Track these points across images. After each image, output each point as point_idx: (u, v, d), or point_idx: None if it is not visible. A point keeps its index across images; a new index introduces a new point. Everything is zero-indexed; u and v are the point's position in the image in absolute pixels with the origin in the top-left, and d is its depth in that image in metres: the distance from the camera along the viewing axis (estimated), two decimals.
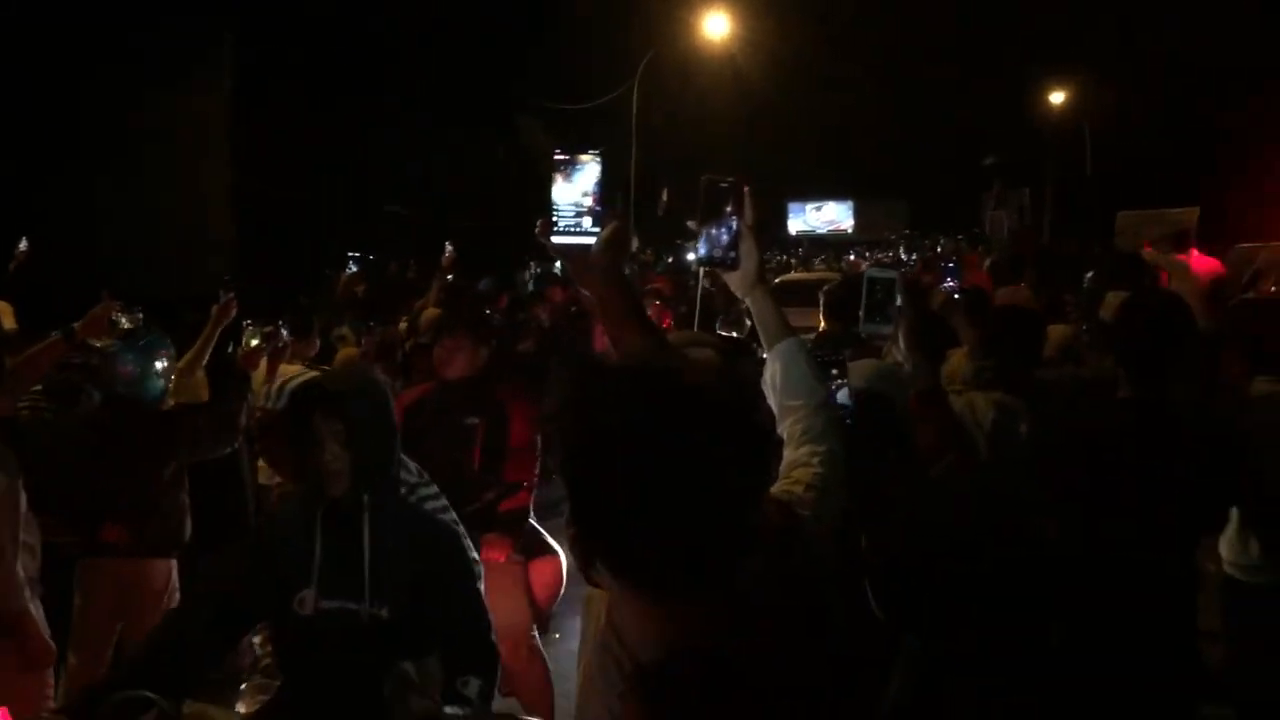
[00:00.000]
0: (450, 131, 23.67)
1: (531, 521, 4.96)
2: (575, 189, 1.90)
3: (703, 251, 2.01)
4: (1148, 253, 8.34)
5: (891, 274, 2.64)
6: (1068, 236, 21.33)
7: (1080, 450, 3.23)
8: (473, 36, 25.32)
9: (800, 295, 9.44)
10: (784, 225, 46.11)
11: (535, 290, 13.31)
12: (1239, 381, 4.41)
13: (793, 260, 32.06)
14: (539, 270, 16.40)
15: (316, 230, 17.86)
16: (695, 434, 1.24)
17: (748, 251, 1.99)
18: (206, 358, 5.77)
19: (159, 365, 4.80)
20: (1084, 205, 27.87)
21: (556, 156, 1.90)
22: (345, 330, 8.34)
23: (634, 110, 27.94)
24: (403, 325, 8.26)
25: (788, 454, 1.92)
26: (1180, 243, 10.91)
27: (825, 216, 46.55)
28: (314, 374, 6.56)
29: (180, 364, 5.35)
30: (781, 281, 15.32)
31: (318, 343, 6.74)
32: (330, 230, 17.63)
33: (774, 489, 1.82)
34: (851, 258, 28.61)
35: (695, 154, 37.15)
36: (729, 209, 1.98)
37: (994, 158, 28.51)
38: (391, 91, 22.01)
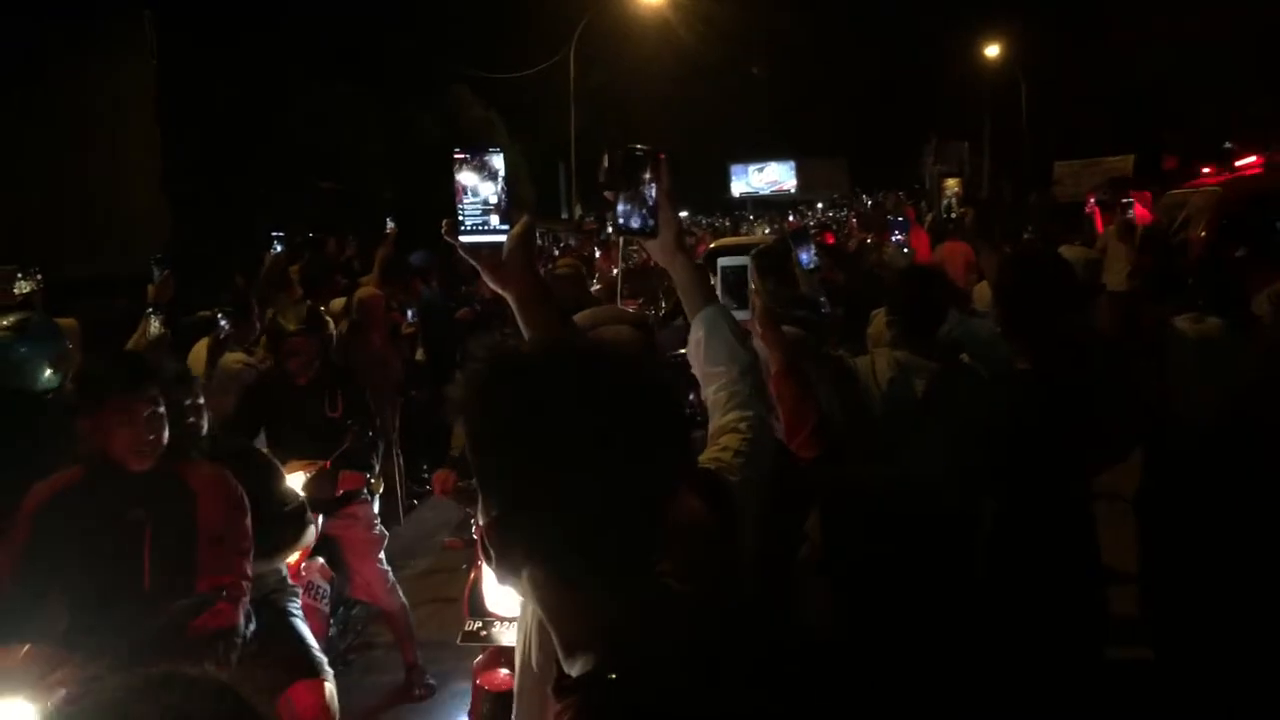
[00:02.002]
0: (385, 104, 23.36)
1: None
2: (480, 187, 1.85)
3: (621, 221, 1.97)
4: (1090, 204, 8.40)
5: (742, 261, 2.72)
6: (1005, 187, 21.58)
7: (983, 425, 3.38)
8: (406, 6, 24.99)
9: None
10: (727, 188, 46.14)
11: None
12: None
13: (726, 223, 32.16)
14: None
15: (250, 208, 17.53)
16: (609, 414, 1.21)
17: (666, 219, 1.95)
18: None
19: (48, 355, 4.54)
20: (1021, 156, 28.19)
21: (457, 155, 1.85)
22: (282, 310, 8.14)
23: (571, 77, 27.73)
24: (338, 303, 8.10)
25: (714, 421, 1.92)
26: (1118, 189, 11.05)
27: (768, 177, 46.59)
28: (251, 361, 6.41)
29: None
30: (716, 246, 15.21)
31: (258, 325, 6.56)
32: (264, 208, 17.31)
33: (702, 456, 1.82)
34: (792, 218, 28.69)
35: (635, 119, 37.02)
36: (646, 176, 1.94)
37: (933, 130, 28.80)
38: (322, 65, 21.65)
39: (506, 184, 1.86)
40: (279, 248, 7.49)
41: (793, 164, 46.15)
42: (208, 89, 18.14)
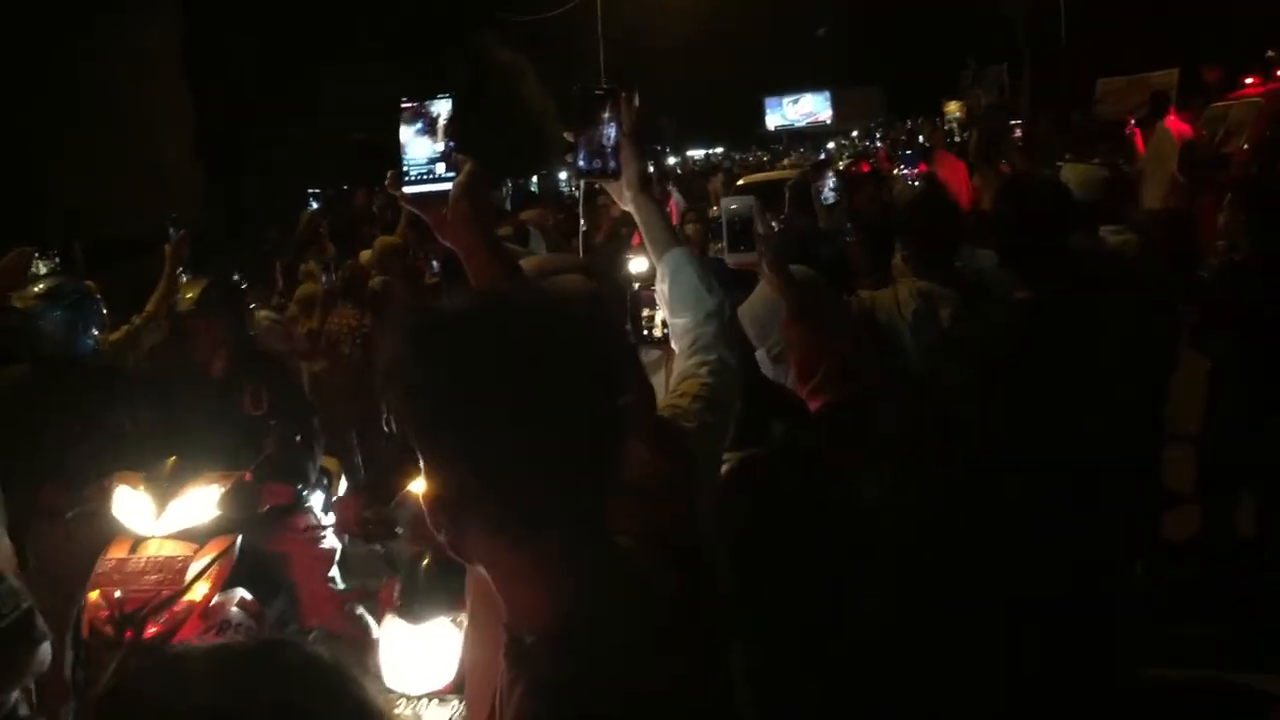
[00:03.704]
0: (413, 50, 23.21)
1: None
2: (427, 134, 1.74)
3: (581, 163, 1.92)
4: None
5: (749, 201, 2.64)
6: (1046, 109, 21.10)
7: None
8: None
9: (766, 198, 8.97)
10: (761, 122, 45.49)
11: (512, 210, 13.14)
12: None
13: (765, 157, 31.73)
14: (512, 189, 16.19)
15: (282, 163, 17.56)
16: (548, 370, 1.15)
17: (627, 159, 1.91)
18: (169, 305, 5.56)
19: (89, 321, 4.58)
20: (1062, 76, 27.52)
21: (404, 104, 1.75)
22: (312, 265, 8.19)
23: (599, 15, 27.40)
24: (366, 254, 8.11)
25: (678, 365, 1.88)
26: (1160, 106, 10.77)
27: (802, 109, 45.78)
28: (280, 319, 6.43)
29: (141, 318, 5.17)
30: (747, 182, 14.87)
31: (280, 283, 6.59)
32: (296, 162, 17.33)
33: (661, 403, 1.77)
34: (830, 146, 28.27)
35: (664, 57, 36.54)
36: (605, 116, 1.89)
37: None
38: (349, 13, 21.53)
39: (454, 130, 1.74)
40: (314, 205, 7.53)
41: (828, 94, 45.34)
42: (236, 44, 18.10)
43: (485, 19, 26.91)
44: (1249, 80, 10.01)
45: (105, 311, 4.80)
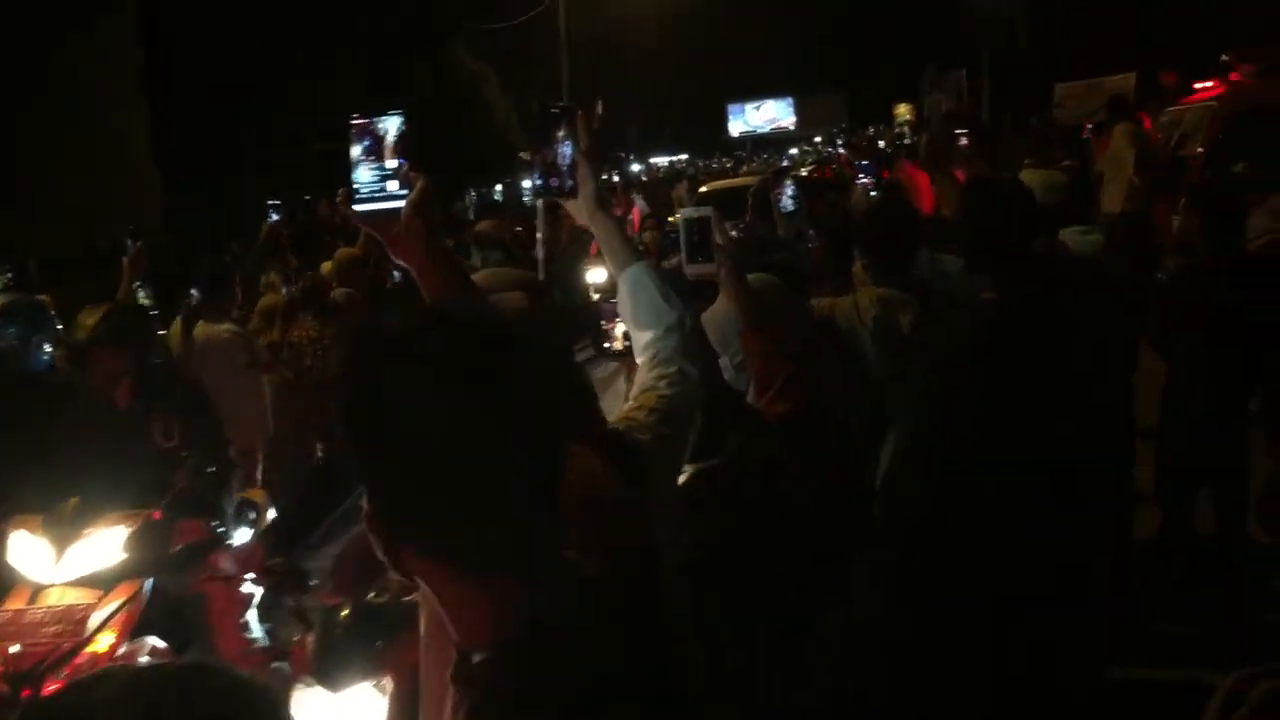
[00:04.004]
0: (378, 59, 23.12)
1: None
2: (374, 153, 1.73)
3: (538, 181, 1.95)
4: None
5: (706, 212, 2.64)
6: (1005, 113, 21.29)
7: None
8: None
9: (728, 205, 8.15)
10: (725, 128, 45.65)
11: (474, 219, 13.08)
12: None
13: (728, 164, 31.82)
14: (476, 198, 16.14)
15: (244, 172, 17.41)
16: (489, 393, 1.13)
17: (583, 177, 1.92)
18: None
19: (43, 335, 4.46)
20: (1021, 80, 27.76)
21: (354, 121, 1.74)
22: (273, 277, 8.10)
23: (562, 24, 27.35)
24: (326, 267, 8.04)
25: (639, 378, 1.89)
26: (1118, 110, 10.89)
27: (765, 115, 45.95)
28: (241, 331, 6.34)
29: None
30: (710, 190, 14.84)
31: (238, 295, 6.50)
32: (258, 172, 17.18)
33: (616, 416, 1.77)
34: (794, 152, 28.40)
35: (629, 63, 36.61)
36: (560, 134, 1.91)
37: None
38: (312, 23, 21.40)
39: (405, 148, 1.73)
40: (275, 216, 7.46)
41: (791, 101, 45.55)
42: (195, 55, 17.94)
43: (450, 28, 26.86)
44: (1204, 84, 10.16)
45: (61, 327, 4.72)
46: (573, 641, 1.18)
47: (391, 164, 1.72)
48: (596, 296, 7.97)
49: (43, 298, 4.80)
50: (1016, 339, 3.19)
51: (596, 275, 8.34)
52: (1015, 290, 3.26)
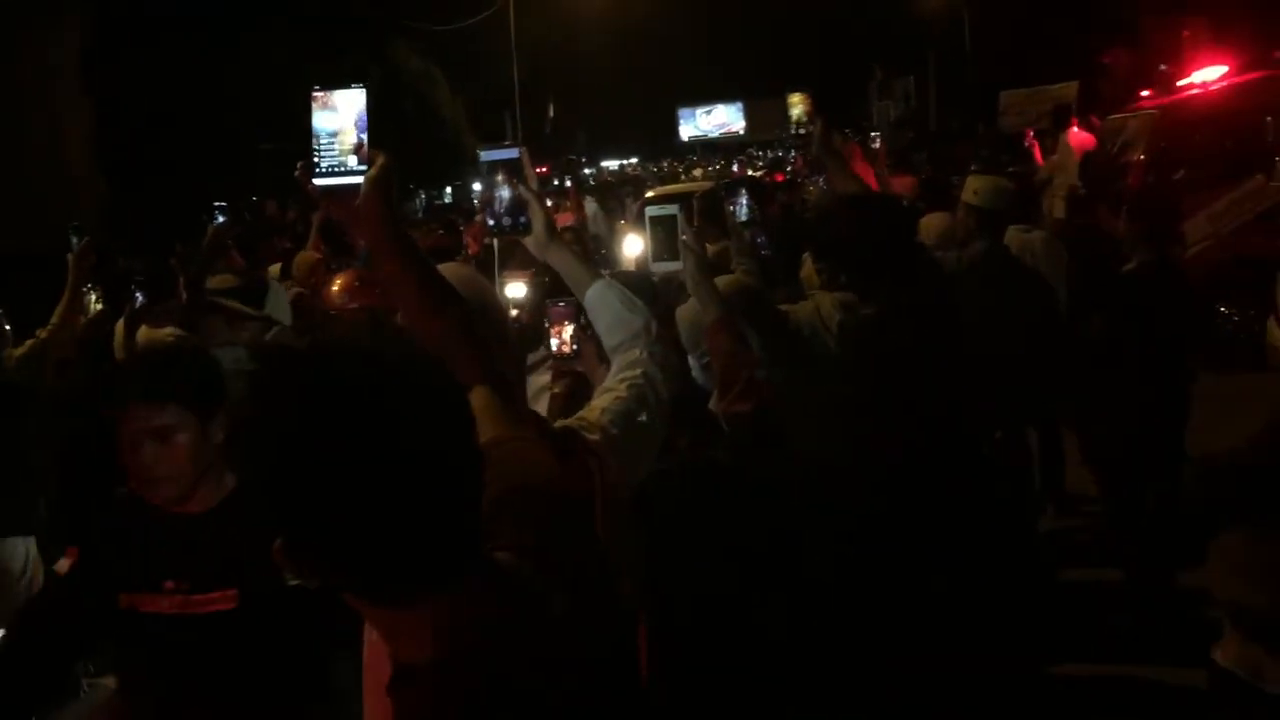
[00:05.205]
0: (321, 61, 22.90)
1: None
2: (338, 125, 1.69)
3: (492, 223, 2.08)
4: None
5: (672, 210, 2.67)
6: (952, 120, 21.55)
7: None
8: None
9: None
10: (675, 132, 45.80)
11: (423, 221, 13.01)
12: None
13: (678, 167, 31.87)
14: (424, 200, 16.04)
15: (189, 173, 17.16)
16: (394, 421, 1.09)
17: (535, 214, 2.05)
18: (77, 316, 5.30)
19: None
20: (967, 87, 28.15)
21: (315, 93, 1.70)
22: (222, 277, 7.98)
23: (511, 26, 27.30)
24: (274, 269, 7.94)
25: (605, 381, 1.95)
26: (1062, 118, 11.08)
27: (715, 120, 46.21)
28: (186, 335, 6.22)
29: (45, 331, 4.97)
30: (657, 194, 14.85)
31: (184, 297, 6.38)
32: (204, 173, 16.94)
33: (572, 417, 1.81)
34: (736, 166, 28.52)
35: (579, 66, 36.60)
36: (499, 178, 2.04)
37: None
38: (259, 20, 21.16)
39: (366, 122, 1.70)
40: (221, 219, 7.36)
41: (740, 105, 45.79)
42: (138, 54, 17.66)
43: (396, 27, 26.66)
44: (1145, 93, 10.36)
45: (8, 328, 4.63)
46: (507, 651, 1.16)
47: (350, 140, 1.70)
48: (515, 313, 7.87)
49: None
50: (881, 352, 3.19)
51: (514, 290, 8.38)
52: (895, 304, 3.22)
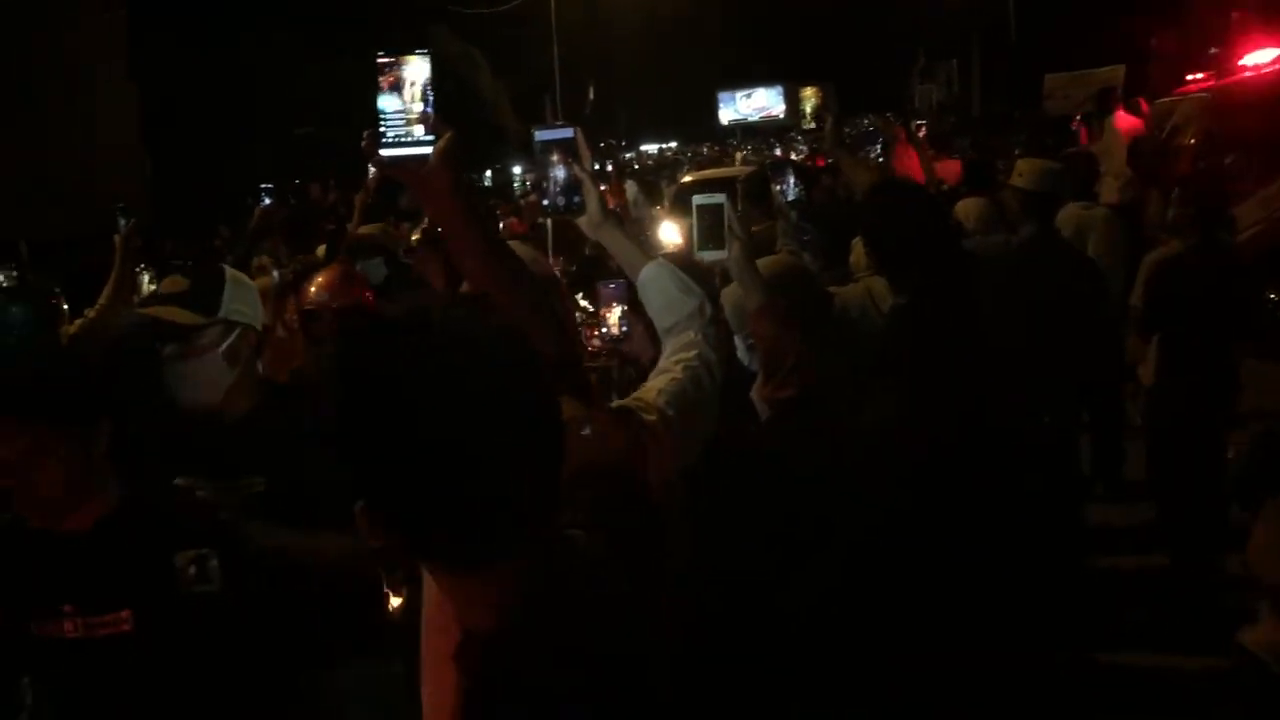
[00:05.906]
0: (363, 44, 23.01)
1: None
2: (403, 94, 1.66)
3: (546, 203, 2.09)
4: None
5: (719, 199, 2.64)
6: (995, 104, 21.29)
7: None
8: None
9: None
10: (715, 115, 45.53)
11: None
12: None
13: (717, 149, 31.65)
14: (470, 182, 16.03)
15: (229, 157, 17.32)
16: (472, 389, 1.10)
17: (588, 194, 2.06)
18: (129, 296, 5.37)
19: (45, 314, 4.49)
20: (1011, 71, 27.81)
21: (380, 59, 1.68)
22: (264, 259, 8.05)
23: (552, 9, 27.29)
24: (320, 250, 8.00)
25: (660, 362, 1.94)
26: (1107, 101, 10.92)
27: (755, 104, 45.75)
28: None
29: (95, 310, 5.04)
30: (696, 179, 14.69)
31: None
32: (243, 157, 17.10)
33: (626, 399, 1.81)
34: (778, 150, 28.30)
35: (617, 48, 36.51)
36: (554, 159, 2.04)
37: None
38: (297, 7, 21.28)
39: (432, 91, 1.67)
40: (267, 200, 7.41)
41: (780, 89, 45.43)
42: (181, 37, 17.84)
43: (436, 12, 26.71)
44: (1196, 76, 10.18)
45: (66, 307, 4.71)
46: (573, 623, 1.18)
47: (416, 108, 1.68)
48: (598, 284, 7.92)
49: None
50: (921, 343, 3.13)
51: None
52: (924, 295, 3.17)
